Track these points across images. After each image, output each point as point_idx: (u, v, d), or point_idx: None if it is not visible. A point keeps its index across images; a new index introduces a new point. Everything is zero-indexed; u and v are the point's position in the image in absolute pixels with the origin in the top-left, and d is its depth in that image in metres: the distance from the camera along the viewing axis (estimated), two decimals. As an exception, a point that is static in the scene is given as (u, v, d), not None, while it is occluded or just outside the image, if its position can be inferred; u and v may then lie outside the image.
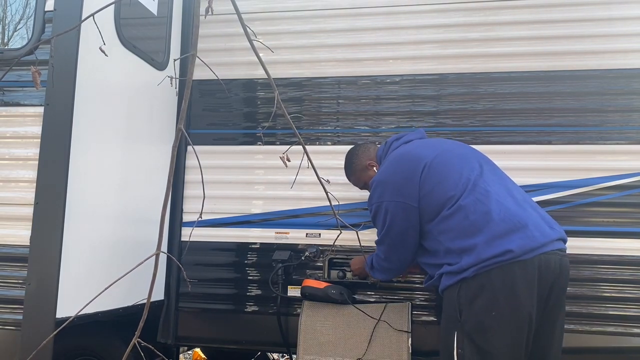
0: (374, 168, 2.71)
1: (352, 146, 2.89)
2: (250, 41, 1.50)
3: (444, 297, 2.30)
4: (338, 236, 2.02)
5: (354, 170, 2.80)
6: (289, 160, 1.53)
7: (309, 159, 1.49)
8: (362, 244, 2.45)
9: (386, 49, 3.09)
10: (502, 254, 2.09)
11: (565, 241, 2.26)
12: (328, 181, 1.60)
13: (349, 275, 2.94)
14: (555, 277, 2.16)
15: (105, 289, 1.38)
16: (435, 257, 2.35)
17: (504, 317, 2.10)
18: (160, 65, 3.09)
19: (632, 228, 2.72)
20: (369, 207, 2.53)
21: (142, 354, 1.44)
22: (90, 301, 1.44)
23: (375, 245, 2.59)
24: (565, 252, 2.25)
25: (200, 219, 2.30)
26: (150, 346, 1.41)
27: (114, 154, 2.76)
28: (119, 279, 1.40)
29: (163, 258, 2.95)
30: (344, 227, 1.77)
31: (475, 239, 2.15)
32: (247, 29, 1.48)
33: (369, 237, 2.93)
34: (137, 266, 1.39)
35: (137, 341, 1.34)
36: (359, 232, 2.32)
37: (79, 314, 1.69)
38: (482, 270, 2.11)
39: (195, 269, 3.13)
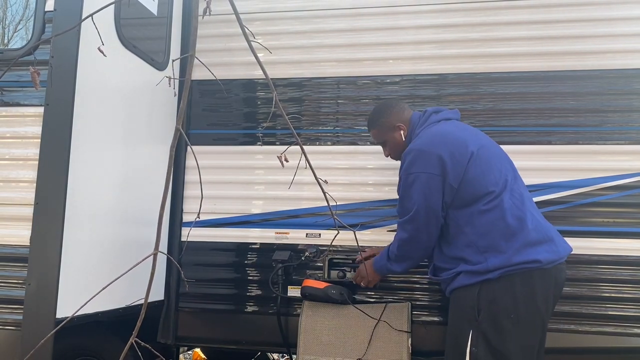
0: (402, 132, 2.60)
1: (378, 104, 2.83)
2: (248, 41, 1.50)
3: (457, 294, 2.31)
4: (335, 236, 2.02)
5: (380, 124, 2.67)
6: (286, 161, 1.53)
7: (306, 159, 1.49)
8: (360, 244, 2.45)
9: (386, 49, 3.09)
10: (530, 262, 2.17)
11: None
12: (326, 181, 1.59)
13: (349, 275, 2.92)
14: (563, 283, 2.30)
15: (102, 289, 1.38)
16: (451, 248, 2.33)
17: (521, 320, 2.17)
18: (161, 66, 3.10)
19: (632, 228, 2.72)
20: (404, 176, 2.40)
21: (141, 354, 1.44)
22: (88, 301, 1.44)
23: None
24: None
25: (198, 219, 2.31)
26: (149, 346, 1.41)
27: (114, 154, 2.76)
28: (116, 279, 1.40)
29: (163, 258, 2.96)
30: (342, 227, 1.77)
31: (509, 242, 2.20)
32: (245, 29, 1.48)
33: (368, 237, 2.94)
34: (134, 266, 1.40)
35: (136, 341, 1.35)
36: (356, 232, 2.31)
37: (78, 314, 1.69)
38: (506, 274, 2.17)
39: (195, 269, 3.13)
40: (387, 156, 2.73)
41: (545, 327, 2.27)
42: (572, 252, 2.38)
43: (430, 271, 2.52)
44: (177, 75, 2.98)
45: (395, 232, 2.52)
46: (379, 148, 2.99)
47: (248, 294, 3.11)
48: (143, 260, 1.38)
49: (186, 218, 3.20)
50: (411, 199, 2.35)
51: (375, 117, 2.70)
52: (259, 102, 3.24)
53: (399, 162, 2.94)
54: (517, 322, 2.16)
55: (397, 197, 2.49)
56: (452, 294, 2.36)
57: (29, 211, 2.37)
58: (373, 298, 2.95)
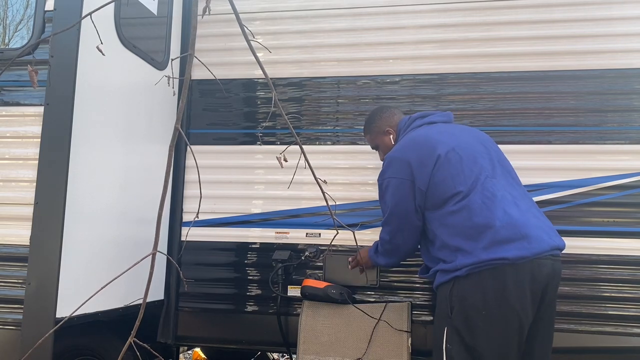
0: (391, 136, 2.70)
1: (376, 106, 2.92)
2: (247, 41, 1.50)
3: (438, 293, 2.36)
4: (335, 236, 2.01)
5: (371, 130, 2.77)
6: (285, 161, 1.53)
7: (306, 159, 1.49)
8: (359, 244, 2.45)
9: (386, 48, 3.09)
10: (497, 259, 2.16)
11: (561, 249, 2.29)
12: (325, 181, 1.59)
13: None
14: (549, 279, 2.22)
15: (101, 289, 1.38)
16: (433, 248, 2.39)
17: (493, 317, 2.15)
18: (160, 65, 3.10)
19: (632, 228, 2.72)
20: (379, 182, 2.52)
21: (139, 354, 1.44)
22: (87, 300, 1.44)
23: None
24: (559, 257, 2.28)
25: (197, 218, 2.30)
26: (147, 346, 1.41)
27: (114, 154, 2.76)
28: (115, 279, 1.40)
29: (162, 258, 2.96)
30: (341, 227, 1.77)
31: (475, 242, 2.20)
32: (245, 28, 1.48)
33: (368, 236, 2.93)
34: (132, 266, 1.40)
35: (135, 341, 1.35)
36: (356, 232, 2.31)
37: (78, 313, 1.69)
38: (475, 270, 2.18)
39: (195, 269, 3.13)
40: (382, 160, 2.73)
41: (524, 324, 2.16)
42: (572, 252, 2.37)
43: (420, 270, 2.60)
44: (176, 74, 2.98)
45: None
46: (379, 148, 3.00)
47: (248, 293, 3.11)
48: (142, 259, 1.38)
49: (186, 218, 3.20)
50: (385, 203, 2.49)
51: (368, 122, 2.80)
52: (258, 102, 3.24)
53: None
54: (489, 318, 2.15)
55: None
56: (436, 293, 2.41)
57: (29, 211, 2.37)
58: (373, 298, 2.95)
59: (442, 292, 2.30)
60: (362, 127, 2.85)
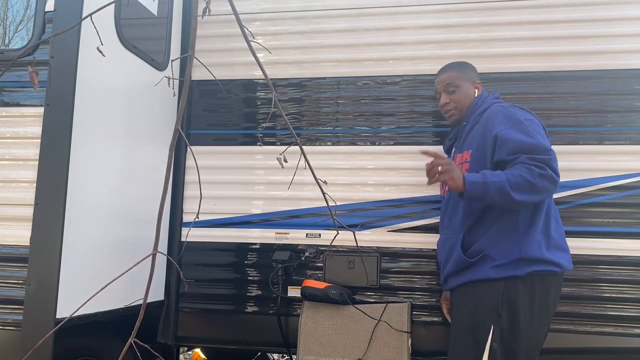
0: (477, 91, 2.54)
1: None
2: (247, 41, 1.50)
3: (478, 287, 2.26)
4: (335, 237, 2.02)
5: (461, 71, 2.59)
6: (286, 161, 1.53)
7: (306, 159, 1.49)
8: (359, 244, 2.45)
9: (386, 49, 3.09)
10: (556, 264, 2.23)
11: None
12: (325, 182, 1.59)
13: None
14: None
15: (101, 289, 1.38)
16: (513, 233, 2.21)
17: (533, 322, 2.19)
18: (161, 66, 3.10)
19: (632, 228, 2.72)
20: (518, 121, 2.25)
21: (139, 354, 1.44)
22: (87, 301, 1.44)
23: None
24: None
25: (197, 219, 2.30)
26: (148, 346, 1.41)
27: (114, 154, 2.76)
28: (115, 279, 1.40)
29: (163, 258, 2.96)
30: (341, 227, 1.77)
31: (547, 244, 2.24)
32: (245, 29, 1.48)
33: (368, 237, 2.93)
34: (132, 267, 1.40)
35: (135, 341, 1.34)
36: (356, 233, 2.31)
37: (78, 314, 1.69)
38: (533, 273, 2.19)
39: (195, 269, 3.13)
40: (443, 104, 2.59)
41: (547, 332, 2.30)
42: (572, 253, 2.38)
43: (459, 249, 2.31)
44: (176, 75, 2.98)
45: (516, 169, 2.14)
46: (379, 148, 3.01)
47: (248, 294, 3.11)
48: (142, 260, 1.38)
49: (186, 218, 3.20)
50: (544, 138, 2.27)
51: (459, 64, 2.65)
52: (259, 103, 3.24)
53: (397, 163, 2.96)
54: (531, 322, 2.18)
55: (398, 197, 2.49)
56: (468, 285, 2.29)
57: (29, 211, 2.37)
58: (373, 298, 2.95)
59: (489, 289, 2.22)
60: (363, 127, 2.82)
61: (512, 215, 2.21)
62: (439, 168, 2.08)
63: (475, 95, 2.54)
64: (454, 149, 2.59)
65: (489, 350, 2.15)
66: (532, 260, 2.18)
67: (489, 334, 2.16)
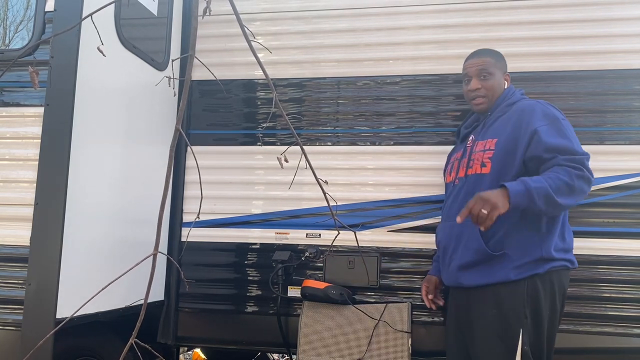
0: (506, 83, 2.53)
1: None
2: (248, 41, 1.50)
3: (502, 290, 2.20)
4: (336, 237, 2.01)
5: (498, 60, 2.54)
6: (286, 161, 1.53)
7: (306, 159, 1.49)
8: (360, 244, 2.45)
9: (386, 49, 3.09)
10: (568, 260, 2.27)
11: None
12: (326, 182, 1.59)
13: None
14: None
15: (101, 289, 1.38)
16: (536, 234, 2.21)
17: (552, 317, 2.22)
18: (161, 66, 3.10)
19: (632, 228, 2.72)
20: (553, 119, 2.26)
21: (140, 355, 1.44)
22: (87, 301, 1.44)
23: None
24: None
25: (198, 219, 2.30)
26: (148, 347, 1.41)
27: (114, 154, 2.76)
28: (115, 279, 1.40)
29: (163, 258, 2.96)
30: (342, 227, 1.77)
31: (562, 242, 2.29)
32: (245, 29, 1.48)
33: (368, 237, 2.93)
34: (133, 267, 1.40)
35: (135, 342, 1.34)
36: (356, 233, 2.31)
37: (78, 314, 1.69)
38: (551, 270, 2.20)
39: (195, 270, 3.13)
40: (472, 89, 2.51)
41: None
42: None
43: (479, 239, 2.23)
44: (177, 75, 2.98)
45: (553, 172, 2.13)
46: (379, 148, 3.01)
47: (248, 294, 3.11)
48: (142, 260, 1.38)
49: (186, 218, 3.20)
50: (577, 142, 2.26)
51: (494, 51, 2.59)
52: (259, 103, 3.24)
53: (397, 163, 2.96)
54: (551, 317, 2.20)
55: (398, 197, 2.48)
56: (488, 289, 2.23)
57: (29, 211, 2.37)
58: (373, 298, 2.95)
59: (513, 291, 2.17)
60: (363, 127, 2.81)
61: (537, 216, 2.19)
62: (482, 212, 1.97)
63: (505, 87, 2.52)
64: (471, 136, 2.51)
65: (521, 354, 2.13)
66: (550, 258, 2.20)
67: (518, 338, 2.13)
